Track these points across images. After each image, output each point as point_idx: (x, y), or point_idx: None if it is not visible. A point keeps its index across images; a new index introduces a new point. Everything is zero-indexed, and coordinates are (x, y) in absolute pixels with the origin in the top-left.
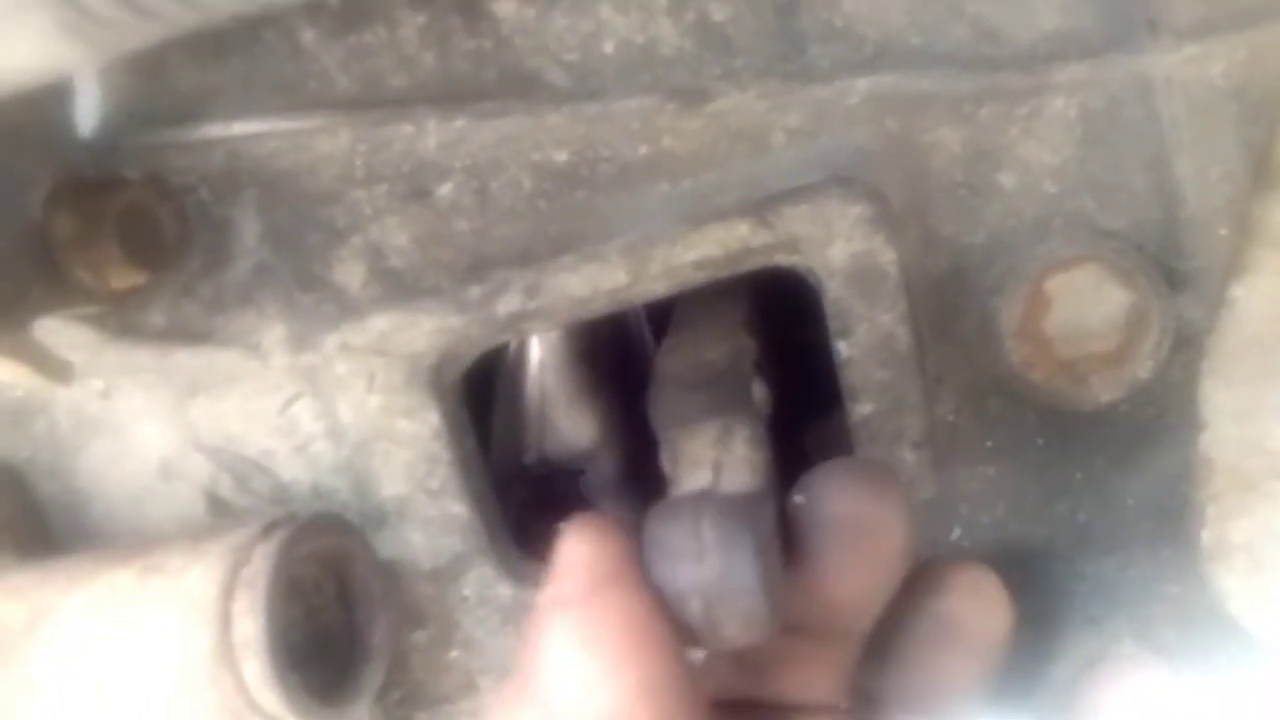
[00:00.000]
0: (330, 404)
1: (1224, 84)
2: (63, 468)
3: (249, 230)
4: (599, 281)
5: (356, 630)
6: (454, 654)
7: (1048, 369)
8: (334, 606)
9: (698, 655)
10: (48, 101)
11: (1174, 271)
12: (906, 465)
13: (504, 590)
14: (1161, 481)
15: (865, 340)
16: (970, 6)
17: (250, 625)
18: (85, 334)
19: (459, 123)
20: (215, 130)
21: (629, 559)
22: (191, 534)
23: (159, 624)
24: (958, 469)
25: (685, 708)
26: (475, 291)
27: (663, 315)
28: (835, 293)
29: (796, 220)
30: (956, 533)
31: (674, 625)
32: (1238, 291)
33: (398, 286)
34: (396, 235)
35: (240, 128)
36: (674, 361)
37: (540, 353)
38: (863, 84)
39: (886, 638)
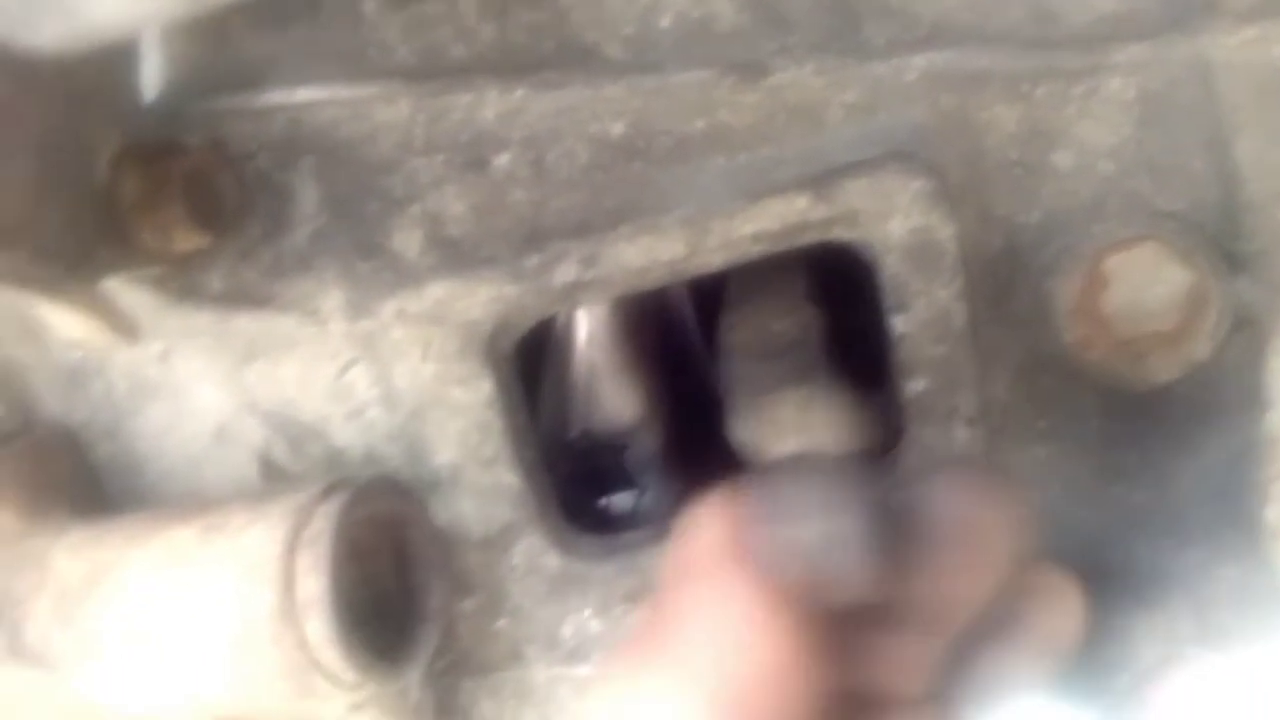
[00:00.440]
0: (386, 371)
1: None
2: (119, 430)
3: (308, 197)
4: (656, 253)
5: (412, 594)
6: (501, 623)
7: (1104, 348)
8: (390, 571)
9: None
10: (113, 66)
11: (1233, 253)
12: (959, 443)
13: (552, 560)
14: (1219, 463)
15: (921, 316)
16: None
17: (313, 584)
18: (145, 297)
19: (518, 93)
20: (276, 98)
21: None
22: (250, 495)
23: (220, 582)
24: (1010, 449)
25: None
26: (532, 261)
27: (705, 294)
28: (892, 268)
29: (855, 194)
30: None
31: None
32: None
33: (455, 255)
34: (454, 204)
35: (301, 95)
36: (743, 334)
37: (587, 328)
38: (919, 61)
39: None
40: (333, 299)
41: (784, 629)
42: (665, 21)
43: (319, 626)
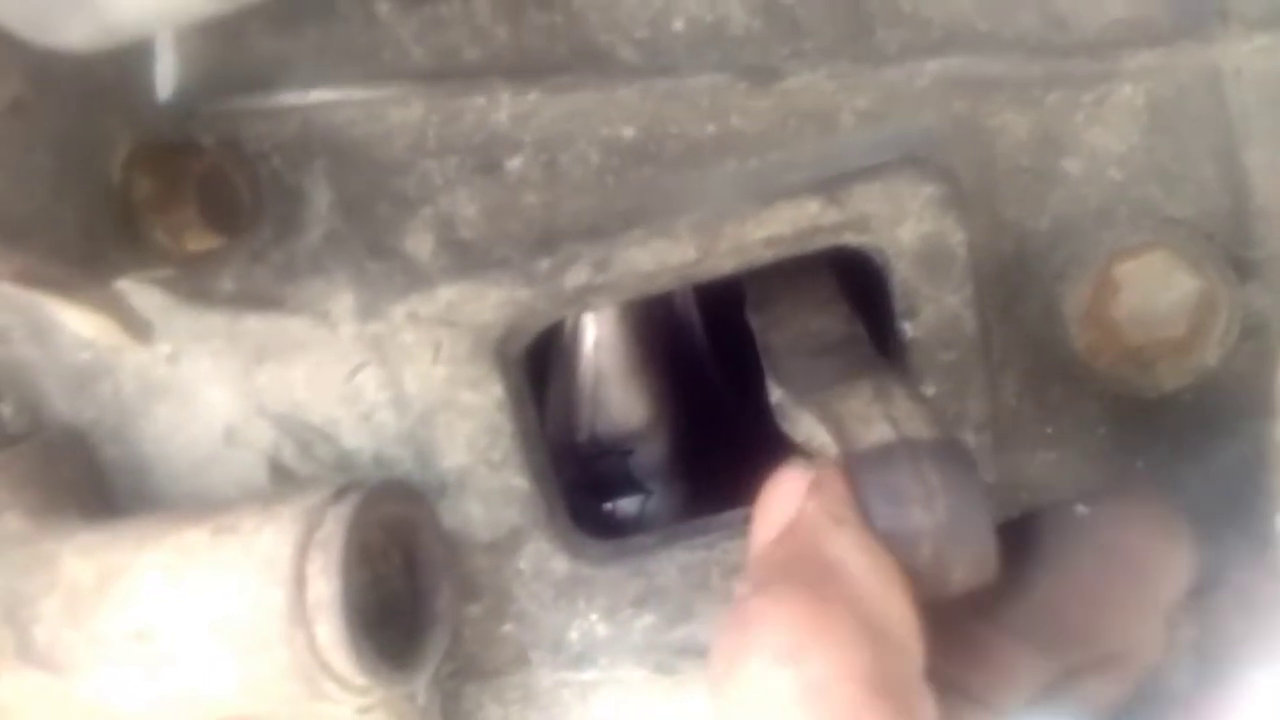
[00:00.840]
0: (396, 373)
1: None
2: (127, 432)
3: (320, 199)
4: (668, 257)
5: (421, 597)
6: (507, 627)
7: (1113, 355)
8: (399, 574)
9: None
10: (128, 66)
11: (1242, 260)
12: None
13: (559, 565)
14: (1227, 470)
15: (931, 321)
16: None
17: (325, 586)
18: (156, 298)
19: (531, 96)
20: (290, 98)
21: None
22: (261, 497)
23: (232, 582)
24: (1018, 454)
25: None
26: (544, 264)
27: (712, 301)
28: (903, 273)
29: (867, 199)
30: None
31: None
32: None
33: (467, 258)
34: (466, 207)
35: (315, 96)
36: (782, 334)
37: (595, 333)
38: (931, 66)
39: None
40: (344, 301)
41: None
42: (678, 25)
43: (329, 629)
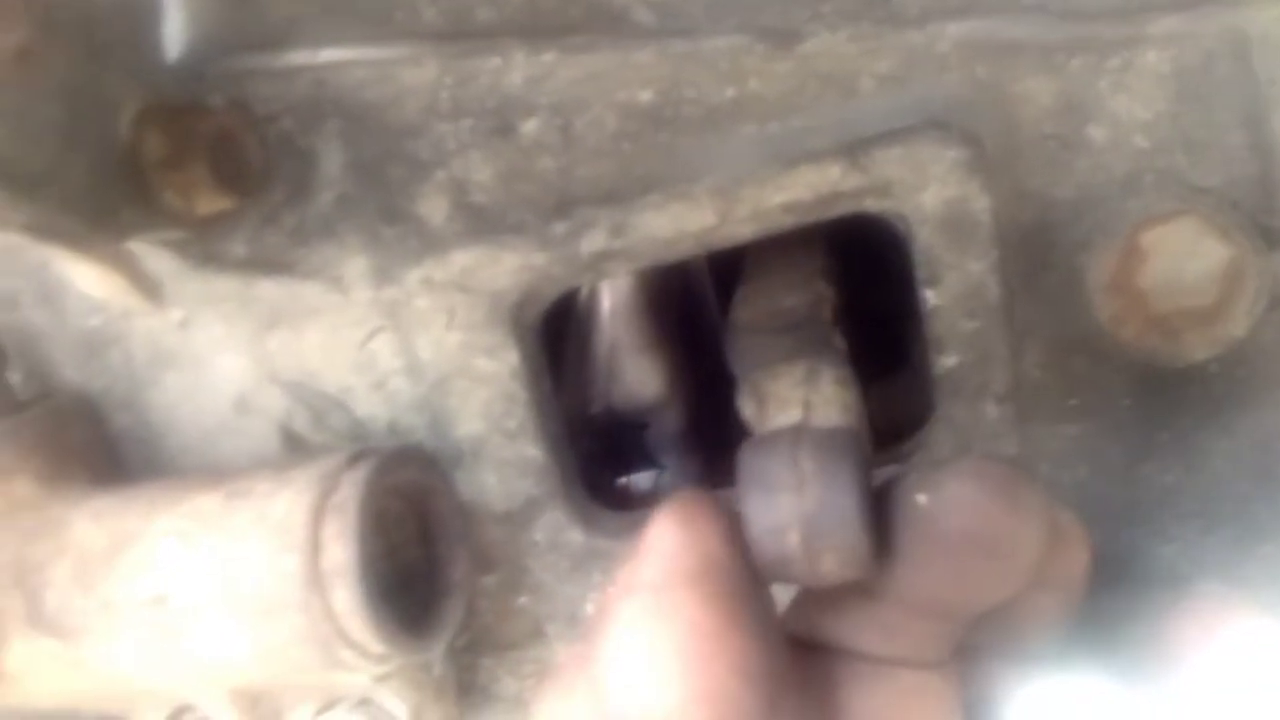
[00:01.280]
0: (410, 340)
1: None
2: (137, 400)
3: (332, 161)
4: (686, 222)
5: (436, 566)
6: (522, 599)
7: (1139, 325)
8: (414, 542)
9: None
10: (136, 23)
11: (1270, 229)
12: (990, 420)
13: (575, 536)
14: (1255, 442)
15: (954, 289)
16: None
17: (340, 551)
18: (167, 262)
19: (546, 57)
20: (301, 58)
21: (719, 557)
22: (275, 463)
23: (246, 548)
24: (1040, 427)
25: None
26: (560, 228)
27: (726, 270)
28: (926, 239)
29: (890, 163)
30: None
31: (748, 638)
32: None
33: (481, 222)
34: (480, 170)
35: (326, 56)
36: (751, 309)
37: (610, 304)
38: (953, 30)
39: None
40: (357, 266)
41: (706, 672)
42: None
43: (345, 595)
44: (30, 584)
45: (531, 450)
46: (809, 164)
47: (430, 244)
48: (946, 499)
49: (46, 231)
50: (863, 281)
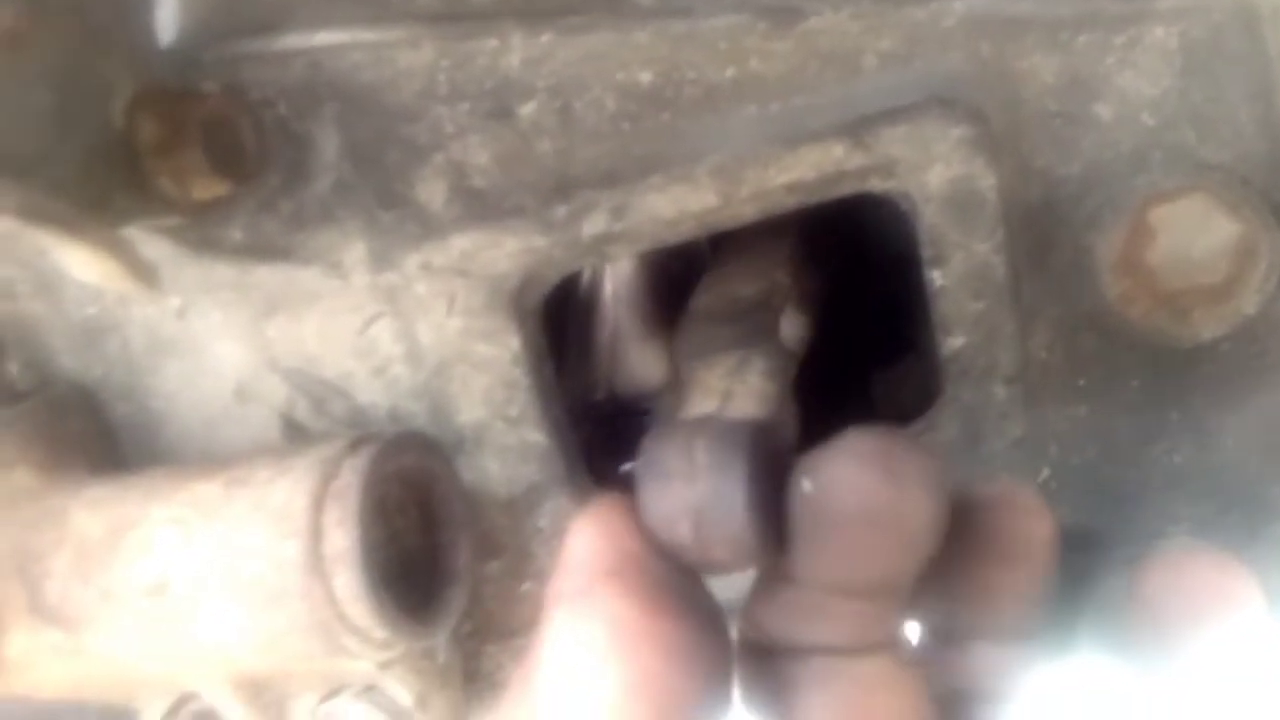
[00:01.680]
0: (410, 325)
1: None
2: (136, 388)
3: (329, 146)
4: (688, 203)
5: (439, 553)
6: (527, 586)
7: (1148, 303)
8: (417, 529)
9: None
10: (129, 8)
11: None
12: (998, 401)
13: None
14: (1265, 421)
15: (960, 269)
16: None
17: (342, 537)
18: (164, 248)
19: (544, 38)
20: (296, 41)
21: (635, 551)
22: (275, 450)
23: (246, 535)
24: (1048, 408)
25: (681, 706)
26: (560, 211)
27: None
28: (931, 219)
29: (894, 142)
30: (1045, 474)
31: (674, 622)
32: None
33: (480, 206)
34: (479, 154)
35: (321, 38)
36: (708, 297)
37: (613, 288)
38: (958, 6)
39: (934, 572)
40: (355, 251)
41: (634, 663)
42: None
43: (347, 581)
44: (31, 574)
45: (534, 436)
46: (812, 143)
47: (429, 228)
48: (825, 481)
49: (39, 216)
50: (865, 267)
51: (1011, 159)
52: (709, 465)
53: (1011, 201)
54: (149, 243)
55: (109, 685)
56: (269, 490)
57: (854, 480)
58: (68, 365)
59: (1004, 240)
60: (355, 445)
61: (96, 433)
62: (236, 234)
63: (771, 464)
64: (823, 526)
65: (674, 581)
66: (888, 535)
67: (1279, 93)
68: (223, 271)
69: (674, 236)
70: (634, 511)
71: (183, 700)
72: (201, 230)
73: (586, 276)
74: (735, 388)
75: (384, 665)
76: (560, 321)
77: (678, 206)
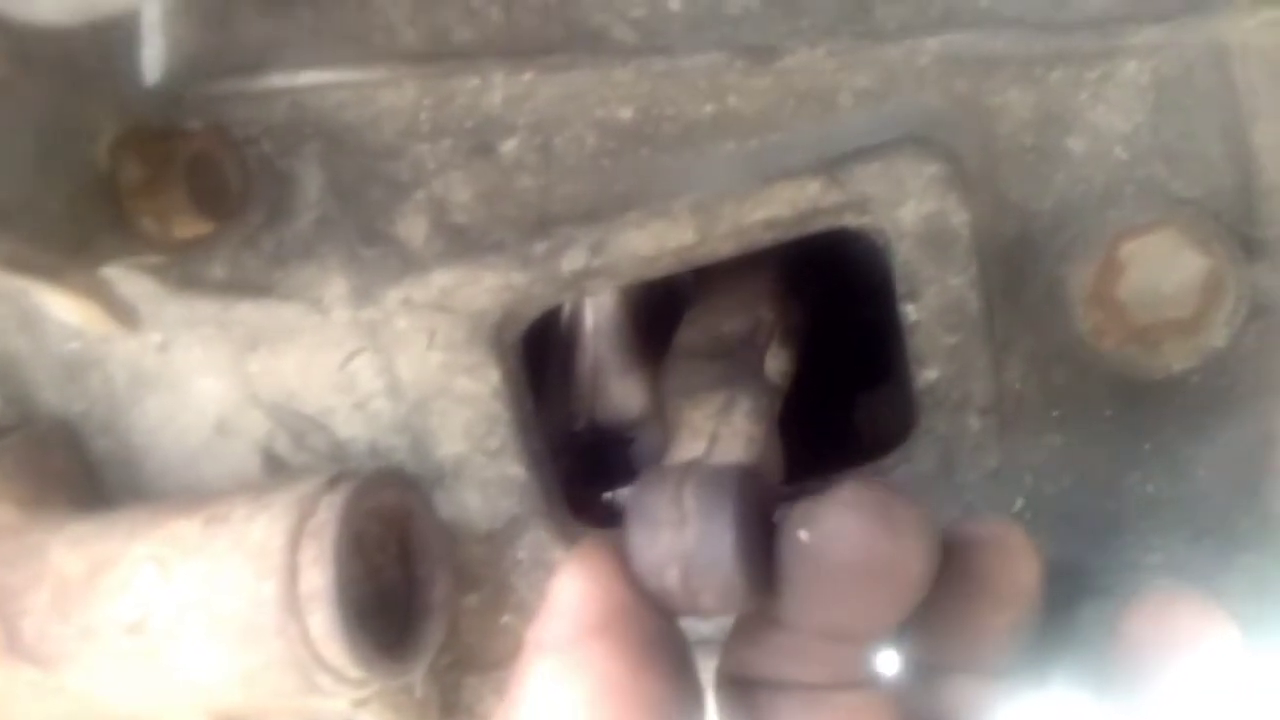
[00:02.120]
0: (391, 360)
1: None
2: (118, 423)
3: (311, 183)
4: (666, 240)
5: (417, 588)
6: (506, 619)
7: (1119, 336)
8: (395, 564)
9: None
10: (113, 48)
11: (1249, 239)
12: (972, 432)
13: (559, 554)
14: (1236, 452)
15: (934, 303)
16: None
17: (317, 576)
18: (145, 285)
19: (526, 77)
20: (279, 81)
21: (623, 603)
22: (254, 487)
23: (224, 573)
24: (1023, 439)
25: None
26: (540, 247)
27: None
28: (905, 254)
29: (868, 179)
30: (1020, 504)
31: (659, 680)
32: None
33: (461, 242)
34: (460, 191)
35: (304, 78)
36: (691, 333)
37: (593, 320)
38: (933, 44)
39: (920, 608)
40: (336, 287)
41: (642, 702)
42: (675, 4)
43: (323, 620)
44: (8, 611)
45: (514, 469)
46: (788, 180)
47: (410, 264)
48: (824, 533)
49: (21, 265)
50: (849, 294)
51: (986, 194)
52: (697, 512)
53: (985, 236)
54: (129, 280)
55: None
56: (247, 528)
57: (853, 532)
58: (49, 400)
59: (977, 274)
60: (333, 482)
61: (78, 468)
62: (218, 271)
63: (758, 507)
64: (819, 576)
65: (658, 634)
66: (883, 586)
67: (1249, 128)
68: (204, 308)
69: (653, 272)
70: (620, 558)
71: None
72: (183, 268)
73: (567, 308)
74: (721, 430)
75: (359, 703)
76: (541, 353)
77: (656, 243)
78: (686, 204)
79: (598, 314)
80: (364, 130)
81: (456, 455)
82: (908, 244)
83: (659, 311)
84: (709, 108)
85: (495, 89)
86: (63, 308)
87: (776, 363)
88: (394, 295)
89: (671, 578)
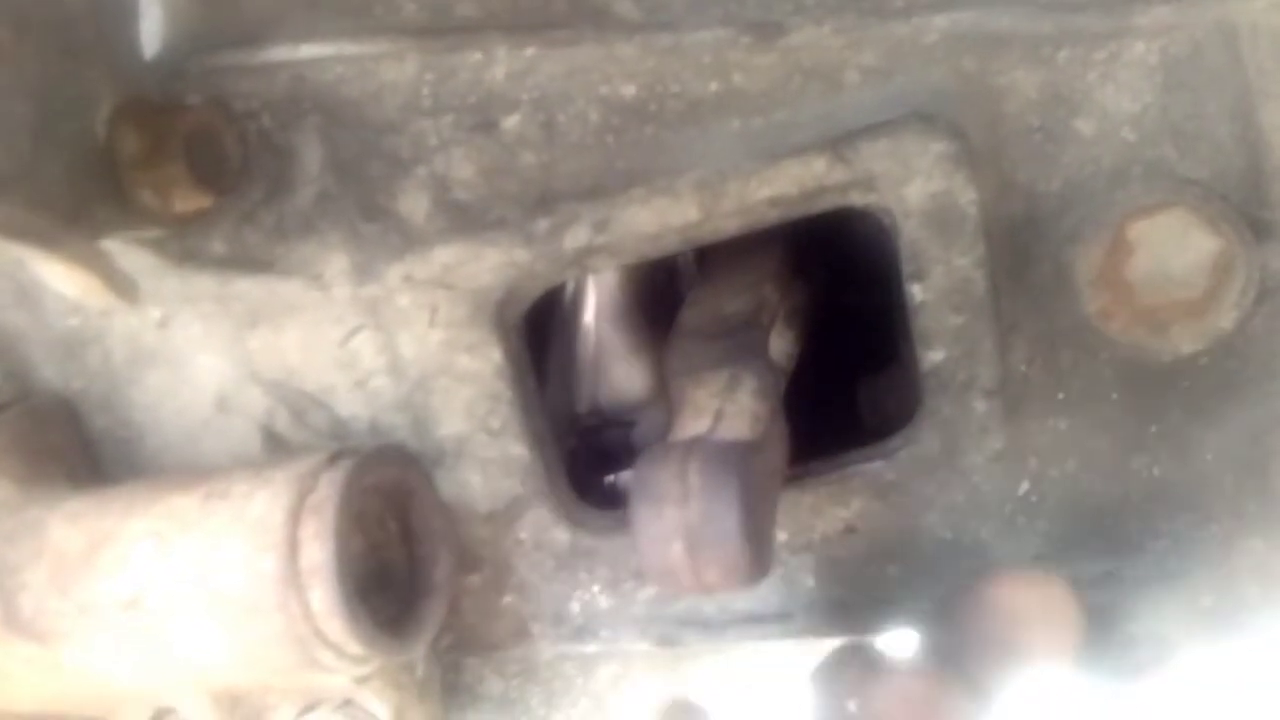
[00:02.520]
0: (392, 338)
1: None
2: (117, 400)
3: (311, 158)
4: (670, 217)
5: (418, 566)
6: (507, 599)
7: (1126, 318)
8: (396, 542)
9: None
10: (111, 20)
11: (1258, 220)
12: (977, 415)
13: (560, 535)
14: (1243, 435)
15: (940, 284)
16: None
17: (318, 551)
18: (145, 260)
19: (528, 52)
20: (280, 54)
21: None
22: (254, 463)
23: (224, 549)
24: (1028, 421)
25: None
26: (543, 224)
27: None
28: (911, 233)
29: (874, 157)
30: (1025, 486)
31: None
32: None
33: (463, 219)
34: (462, 167)
35: (305, 52)
36: (695, 313)
37: (596, 302)
38: (940, 21)
39: (959, 647)
40: (337, 263)
41: None
42: None
43: (324, 595)
44: (6, 586)
45: (516, 449)
46: (793, 158)
47: (411, 241)
48: (872, 712)
49: (18, 231)
50: (852, 278)
51: (993, 174)
52: (702, 488)
53: (992, 216)
54: (129, 255)
55: (85, 700)
56: (247, 503)
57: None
58: (48, 376)
59: (984, 255)
60: (334, 458)
61: (76, 444)
62: (218, 246)
63: (763, 484)
64: None
65: None
66: None
67: (1258, 109)
68: (204, 283)
69: (657, 250)
70: None
71: (161, 714)
72: (183, 242)
73: (570, 289)
74: (726, 407)
75: (361, 679)
76: (544, 335)
77: (660, 220)
78: (690, 181)
79: (600, 295)
80: (365, 105)
81: (458, 434)
82: (914, 223)
83: (661, 293)
84: (713, 85)
85: (498, 64)
86: (61, 279)
87: (781, 343)
88: (395, 272)
89: (676, 553)
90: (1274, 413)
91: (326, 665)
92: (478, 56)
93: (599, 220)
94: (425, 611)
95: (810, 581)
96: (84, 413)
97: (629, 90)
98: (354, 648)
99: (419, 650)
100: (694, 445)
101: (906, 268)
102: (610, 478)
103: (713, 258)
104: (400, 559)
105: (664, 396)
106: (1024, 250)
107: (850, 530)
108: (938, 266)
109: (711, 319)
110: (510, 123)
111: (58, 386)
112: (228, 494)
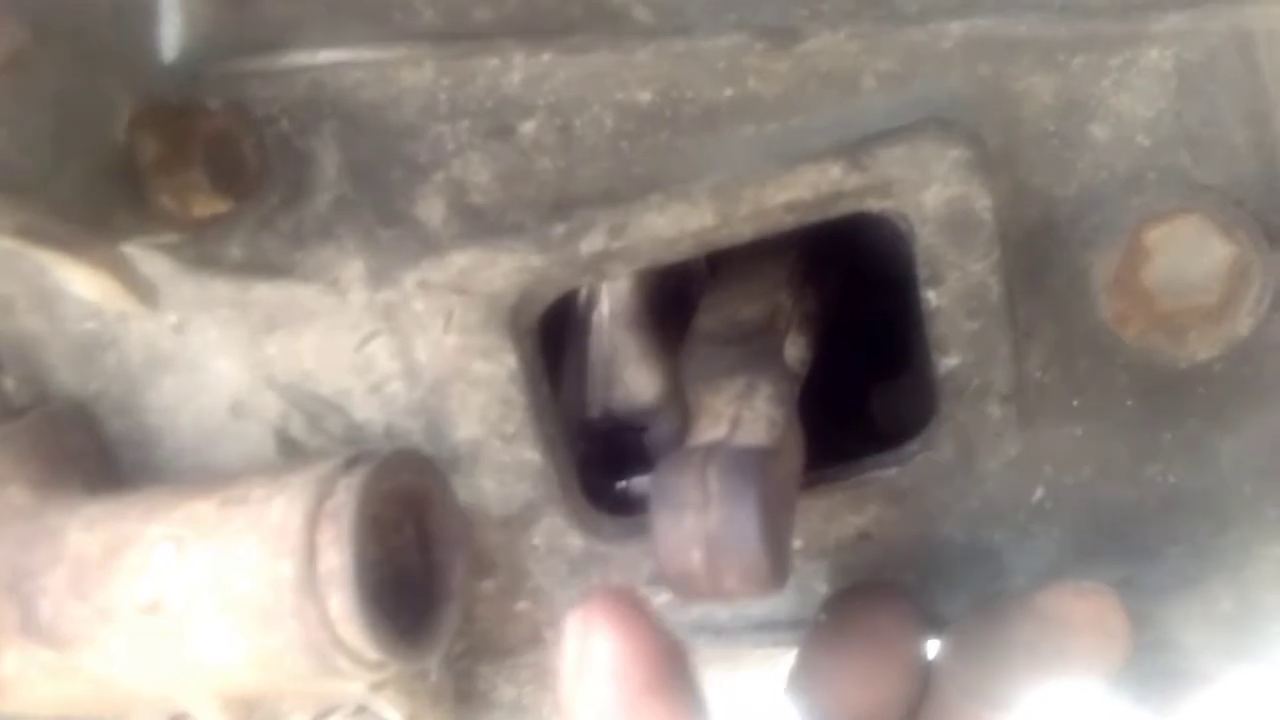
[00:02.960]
0: (407, 343)
1: None
2: (133, 404)
3: (330, 163)
4: (686, 222)
5: (434, 572)
6: (521, 605)
7: (1143, 324)
8: (412, 548)
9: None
10: (131, 25)
11: (1275, 227)
12: (992, 421)
13: (574, 540)
14: (1260, 442)
15: (956, 289)
16: None
17: (336, 557)
18: (162, 264)
19: (545, 57)
20: (299, 59)
21: (661, 656)
22: (271, 468)
23: (241, 554)
24: (1043, 428)
25: None
26: (559, 230)
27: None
28: (927, 239)
29: (891, 162)
30: (1040, 494)
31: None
32: None
33: (479, 224)
34: (479, 172)
35: (324, 57)
36: (710, 319)
37: (609, 306)
38: (957, 27)
39: (1000, 656)
40: (354, 268)
41: None
42: None
43: (341, 601)
44: (24, 592)
45: (529, 454)
46: (809, 163)
47: (428, 246)
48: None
49: (40, 237)
50: (870, 281)
51: (1008, 179)
52: (721, 494)
53: (1008, 222)
54: (147, 259)
55: (102, 705)
56: (265, 509)
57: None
58: (65, 381)
59: (1000, 260)
60: (351, 463)
61: (93, 449)
62: (235, 251)
63: (781, 491)
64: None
65: (684, 668)
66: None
67: (1273, 115)
68: (221, 288)
69: (672, 255)
70: (641, 602)
71: (175, 719)
72: (200, 247)
73: (584, 294)
74: (744, 413)
75: (376, 686)
76: (557, 339)
77: (676, 225)
78: (707, 187)
79: (614, 300)
80: (383, 110)
81: (472, 439)
82: (930, 229)
83: (674, 298)
84: (729, 90)
85: (514, 69)
86: (82, 283)
87: (795, 350)
88: (411, 277)
89: (695, 560)
90: None
91: (343, 671)
92: (494, 62)
93: (615, 226)
94: (442, 617)
95: (824, 588)
96: (100, 417)
97: (644, 96)
98: (371, 654)
99: (436, 656)
100: (712, 451)
101: (922, 273)
102: (622, 483)
103: (726, 263)
104: (416, 565)
105: (676, 401)
106: (1040, 256)
107: (865, 537)
108: (953, 272)
109: (727, 325)
110: (526, 128)
111: (74, 391)
112: (246, 499)
